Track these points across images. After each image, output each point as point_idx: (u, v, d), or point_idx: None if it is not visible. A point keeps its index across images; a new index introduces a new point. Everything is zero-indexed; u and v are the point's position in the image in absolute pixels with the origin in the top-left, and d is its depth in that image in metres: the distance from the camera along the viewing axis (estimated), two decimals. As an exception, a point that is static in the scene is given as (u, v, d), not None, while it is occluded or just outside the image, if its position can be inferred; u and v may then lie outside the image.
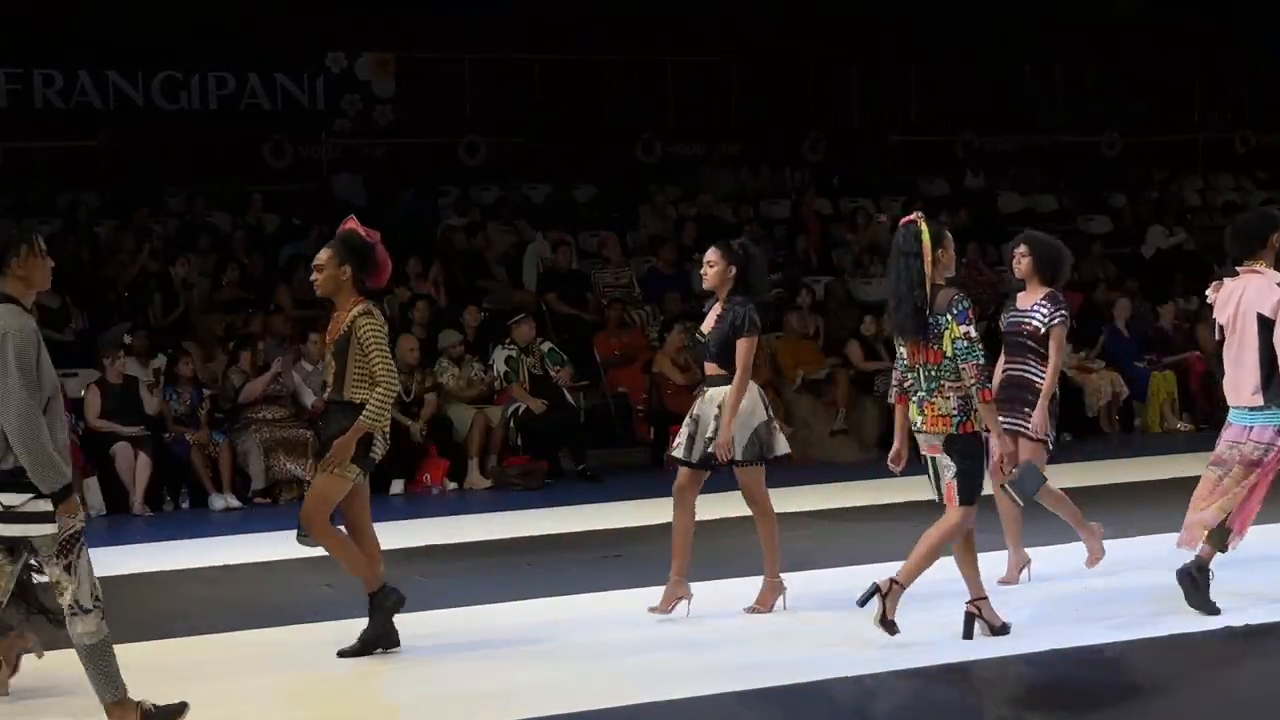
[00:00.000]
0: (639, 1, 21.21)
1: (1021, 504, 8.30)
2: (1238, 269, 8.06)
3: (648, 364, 15.73)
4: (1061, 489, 8.94)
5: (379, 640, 7.66)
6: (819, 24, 21.90)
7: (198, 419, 13.64)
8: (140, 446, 13.04)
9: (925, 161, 22.44)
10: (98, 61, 19.71)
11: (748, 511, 8.39)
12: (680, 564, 8.24)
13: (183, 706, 6.38)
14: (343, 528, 7.76)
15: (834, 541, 10.60)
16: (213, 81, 20.36)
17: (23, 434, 5.99)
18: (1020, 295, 8.83)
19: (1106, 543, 9.03)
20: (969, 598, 7.59)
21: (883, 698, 6.89)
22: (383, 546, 7.86)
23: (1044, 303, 8.60)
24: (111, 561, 9.33)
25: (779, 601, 8.33)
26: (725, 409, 8.10)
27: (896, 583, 7.40)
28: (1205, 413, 17.01)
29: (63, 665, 6.91)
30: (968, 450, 7.44)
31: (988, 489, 7.67)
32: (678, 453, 8.33)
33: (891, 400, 7.84)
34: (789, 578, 8.45)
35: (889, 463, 7.80)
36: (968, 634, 7.53)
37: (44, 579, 6.33)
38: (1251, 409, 7.91)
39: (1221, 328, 8.08)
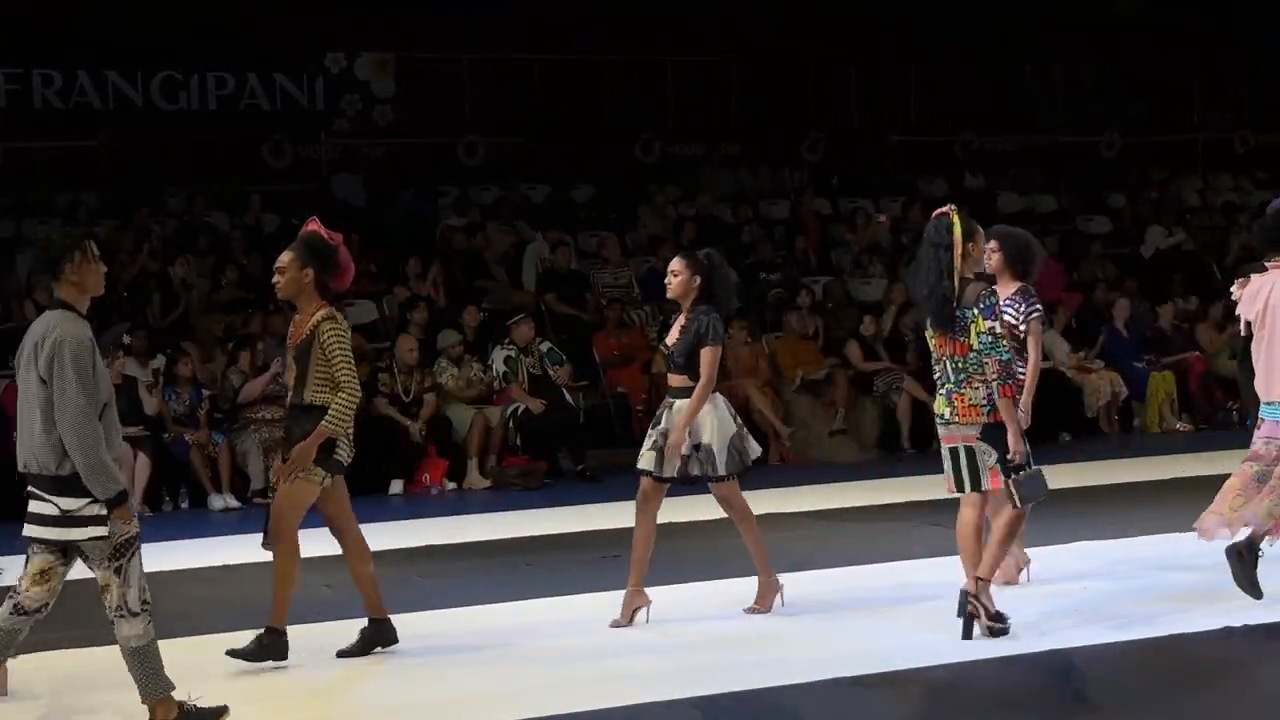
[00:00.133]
0: (639, 1, 21.19)
1: (1018, 506, 8.28)
2: (1266, 264, 8.02)
3: (647, 364, 15.72)
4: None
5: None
6: (819, 24, 21.88)
7: (197, 419, 13.65)
8: (140, 447, 13.02)
9: (925, 162, 22.39)
10: (97, 61, 19.69)
11: (747, 512, 8.36)
12: (638, 575, 8.09)
13: (223, 709, 6.44)
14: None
15: (833, 541, 10.58)
16: (212, 81, 20.34)
17: (80, 441, 6.03)
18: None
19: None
20: (969, 590, 7.50)
21: (882, 698, 6.89)
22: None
23: (1016, 298, 8.41)
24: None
25: (777, 600, 8.31)
26: (684, 414, 7.98)
27: (980, 579, 7.41)
28: (1204, 413, 17.06)
29: (61, 665, 6.92)
30: (1002, 438, 7.45)
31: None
32: (645, 464, 8.13)
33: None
34: (788, 578, 8.44)
35: None
36: (967, 635, 7.52)
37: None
38: None
39: (1249, 324, 8.02)
